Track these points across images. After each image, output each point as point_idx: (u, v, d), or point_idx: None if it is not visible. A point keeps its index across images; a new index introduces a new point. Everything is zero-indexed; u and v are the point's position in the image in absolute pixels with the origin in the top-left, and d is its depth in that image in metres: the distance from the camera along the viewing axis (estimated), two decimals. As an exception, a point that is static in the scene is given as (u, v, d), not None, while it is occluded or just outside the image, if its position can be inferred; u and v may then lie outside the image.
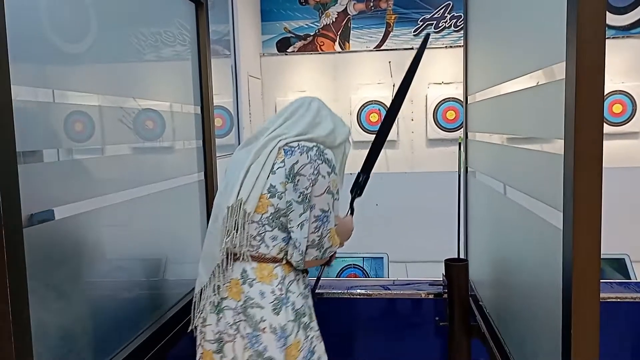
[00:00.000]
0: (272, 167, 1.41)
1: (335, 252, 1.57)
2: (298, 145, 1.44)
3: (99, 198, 1.43)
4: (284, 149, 1.44)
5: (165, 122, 1.91)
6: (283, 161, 1.42)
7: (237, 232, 1.39)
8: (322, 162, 1.43)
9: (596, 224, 0.98)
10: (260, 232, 1.41)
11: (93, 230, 1.44)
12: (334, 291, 2.25)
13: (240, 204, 1.39)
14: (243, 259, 1.41)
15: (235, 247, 1.41)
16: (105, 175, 1.50)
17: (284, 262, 1.43)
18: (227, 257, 1.42)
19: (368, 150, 1.74)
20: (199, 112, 2.19)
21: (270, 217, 1.40)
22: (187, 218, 2.12)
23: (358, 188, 1.70)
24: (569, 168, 1.00)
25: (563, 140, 1.03)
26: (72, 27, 1.33)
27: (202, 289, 1.48)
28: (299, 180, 1.40)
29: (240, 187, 1.41)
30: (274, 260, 1.42)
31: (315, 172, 1.41)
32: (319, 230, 1.43)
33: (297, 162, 1.41)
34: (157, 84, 1.91)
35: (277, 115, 1.56)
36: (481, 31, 1.94)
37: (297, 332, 1.40)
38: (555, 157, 1.09)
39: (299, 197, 1.40)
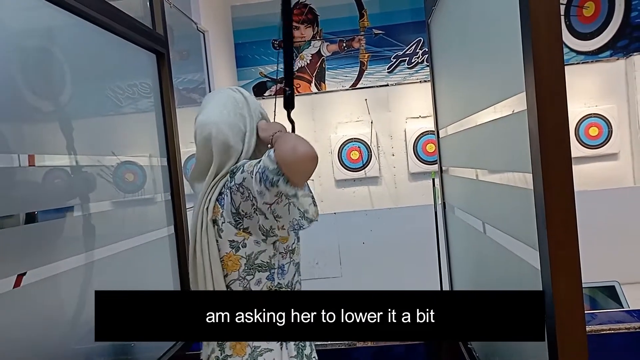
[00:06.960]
0: (218, 225, 1.30)
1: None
2: (224, 187, 1.30)
3: (53, 264, 1.34)
4: (217, 201, 1.31)
5: (127, 177, 1.83)
6: (222, 215, 1.29)
7: None
8: (234, 183, 1.26)
9: (574, 262, 0.91)
10: (245, 285, 1.31)
11: (50, 298, 1.35)
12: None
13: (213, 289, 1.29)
14: None
15: None
16: (62, 237, 1.41)
17: None
18: None
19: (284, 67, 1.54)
20: (166, 163, 2.13)
21: (246, 267, 1.30)
22: (157, 276, 2.02)
23: (289, 101, 1.55)
24: (540, 203, 0.94)
25: (531, 174, 0.98)
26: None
27: None
28: (244, 215, 1.26)
29: (201, 275, 1.30)
30: None
31: (244, 193, 1.23)
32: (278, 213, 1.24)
33: (230, 204, 1.27)
34: (121, 137, 1.85)
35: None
36: (446, 64, 1.92)
37: None
38: (526, 192, 1.03)
39: (262, 229, 1.26)
